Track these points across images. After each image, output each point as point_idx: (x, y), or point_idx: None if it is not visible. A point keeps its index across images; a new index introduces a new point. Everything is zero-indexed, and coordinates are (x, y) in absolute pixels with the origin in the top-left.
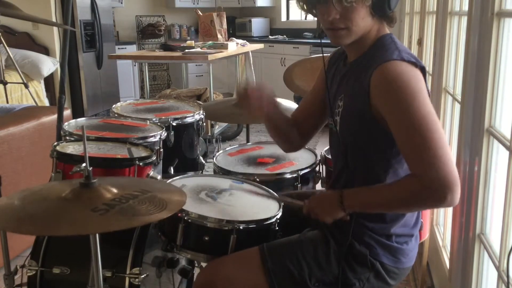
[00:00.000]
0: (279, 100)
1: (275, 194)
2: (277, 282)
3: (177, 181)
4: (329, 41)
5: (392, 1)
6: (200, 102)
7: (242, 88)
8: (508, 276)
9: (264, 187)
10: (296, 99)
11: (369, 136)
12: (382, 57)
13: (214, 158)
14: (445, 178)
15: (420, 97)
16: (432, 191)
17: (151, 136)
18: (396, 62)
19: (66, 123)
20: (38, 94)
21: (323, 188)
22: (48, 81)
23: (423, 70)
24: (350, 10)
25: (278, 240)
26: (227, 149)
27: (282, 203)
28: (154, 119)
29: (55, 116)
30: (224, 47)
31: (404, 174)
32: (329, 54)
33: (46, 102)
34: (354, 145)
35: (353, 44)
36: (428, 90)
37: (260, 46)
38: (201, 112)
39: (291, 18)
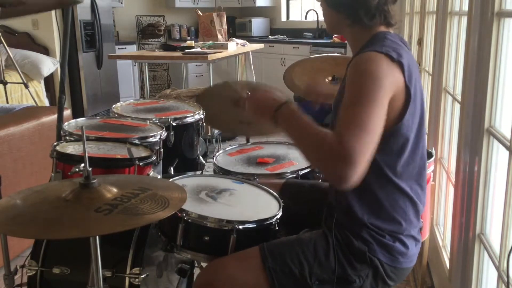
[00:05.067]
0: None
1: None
2: (278, 281)
3: (177, 181)
4: (328, 41)
5: None
6: None
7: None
8: (508, 276)
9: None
10: (296, 99)
11: None
12: (365, 50)
13: (214, 158)
14: (348, 150)
15: (373, 82)
16: (334, 152)
17: (151, 136)
18: (371, 52)
19: (66, 123)
20: (38, 94)
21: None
22: (48, 81)
23: (400, 65)
24: (321, 2)
25: (278, 239)
26: (227, 149)
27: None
28: (154, 119)
29: (55, 116)
30: (224, 47)
31: (397, 179)
32: (328, 54)
33: (46, 102)
34: None
35: (352, 41)
36: (407, 86)
37: (260, 46)
38: (201, 112)
39: (291, 18)
